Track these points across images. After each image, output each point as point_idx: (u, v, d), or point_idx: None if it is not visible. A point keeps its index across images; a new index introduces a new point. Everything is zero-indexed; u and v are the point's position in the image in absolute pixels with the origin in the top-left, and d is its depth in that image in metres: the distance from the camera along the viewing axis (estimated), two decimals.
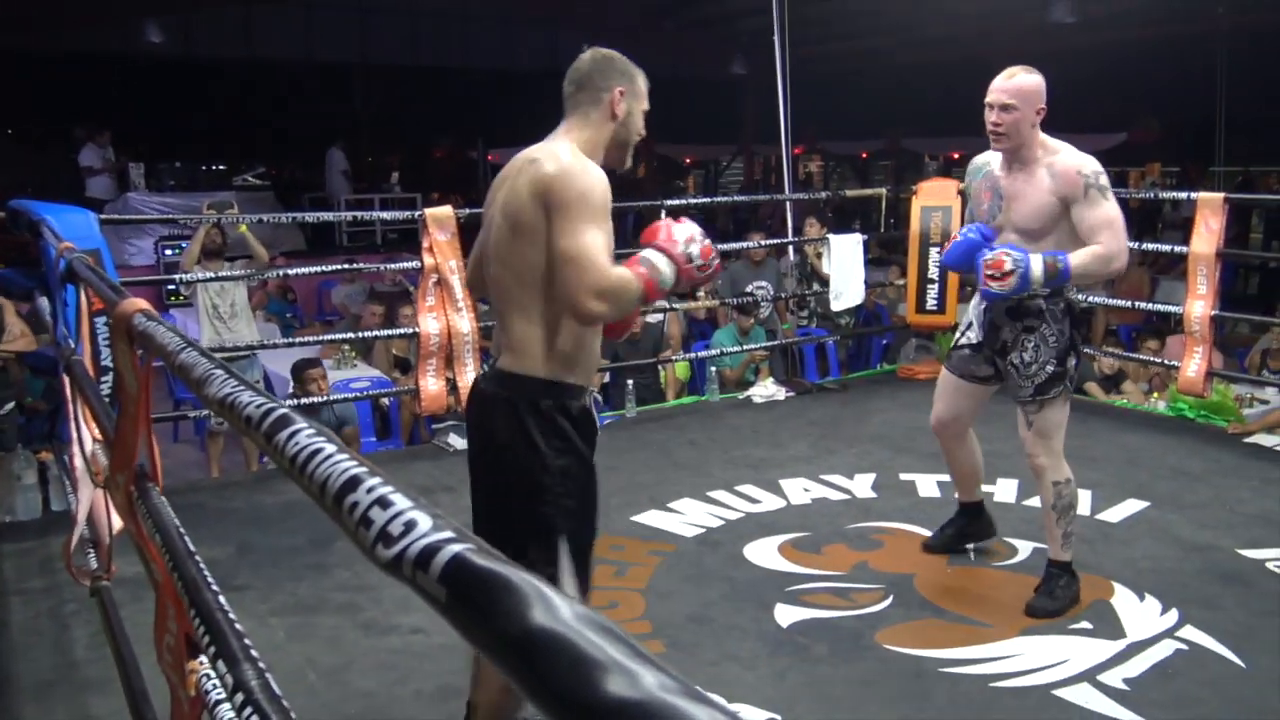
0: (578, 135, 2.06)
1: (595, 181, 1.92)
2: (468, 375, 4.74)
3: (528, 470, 1.94)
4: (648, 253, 1.99)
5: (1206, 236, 4.75)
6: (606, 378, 6.47)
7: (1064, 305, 2.92)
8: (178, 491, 4.38)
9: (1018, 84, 2.83)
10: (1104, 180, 2.80)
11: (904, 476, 4.26)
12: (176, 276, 5.80)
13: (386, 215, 6.71)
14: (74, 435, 2.64)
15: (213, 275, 5.35)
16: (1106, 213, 2.78)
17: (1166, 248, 6.40)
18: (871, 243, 7.08)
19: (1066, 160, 2.82)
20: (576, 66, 2.12)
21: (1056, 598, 3.03)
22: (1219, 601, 3.08)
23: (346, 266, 6.64)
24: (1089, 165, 2.81)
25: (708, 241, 2.06)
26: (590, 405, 2.05)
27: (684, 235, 2.04)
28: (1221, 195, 4.84)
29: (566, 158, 1.95)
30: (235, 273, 5.39)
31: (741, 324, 6.53)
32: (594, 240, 1.87)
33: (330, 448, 0.71)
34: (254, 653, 1.03)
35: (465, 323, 4.69)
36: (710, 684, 2.64)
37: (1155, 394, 6.05)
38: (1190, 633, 2.88)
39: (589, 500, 2.03)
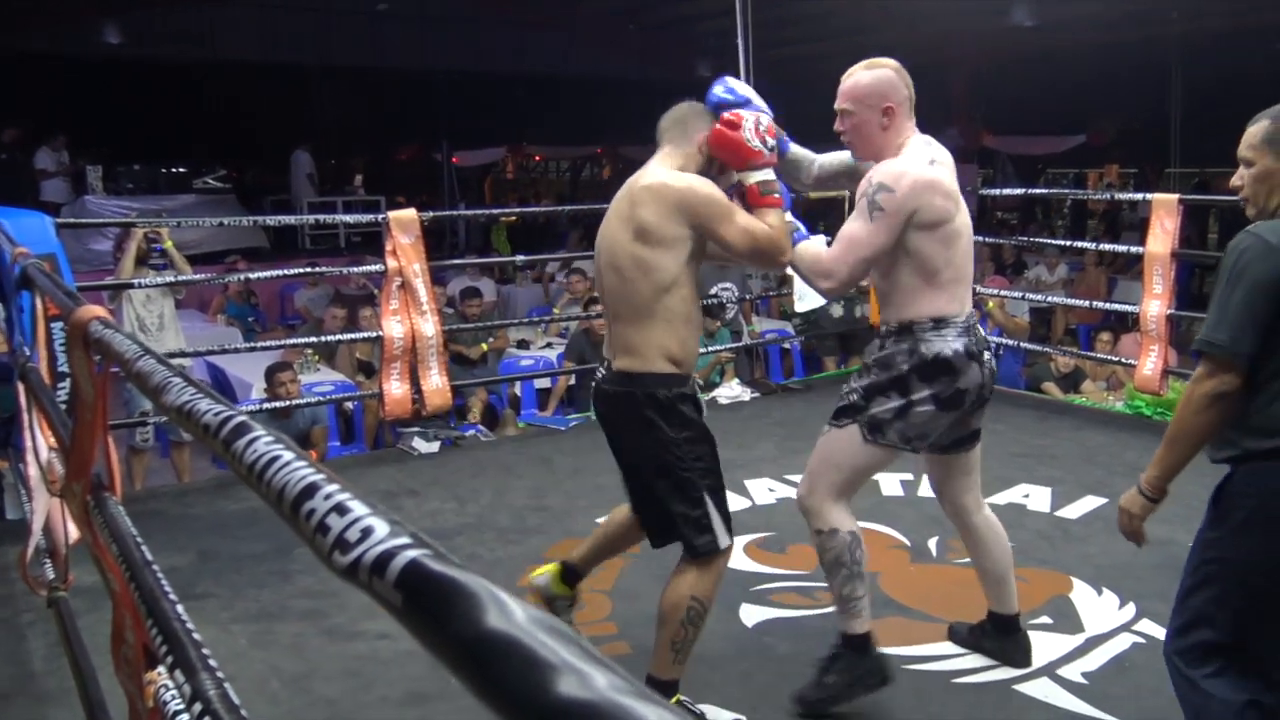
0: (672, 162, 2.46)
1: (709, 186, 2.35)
2: (432, 379, 4.72)
3: (653, 447, 2.36)
4: (751, 178, 2.38)
5: (1162, 237, 4.84)
6: (573, 380, 6.47)
7: (907, 348, 2.41)
8: (137, 499, 4.34)
9: (851, 85, 2.46)
10: (881, 198, 2.32)
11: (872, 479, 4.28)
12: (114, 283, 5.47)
13: (350, 218, 6.66)
14: (29, 443, 2.60)
15: (174, 279, 5.27)
16: (852, 230, 2.37)
17: (1123, 248, 6.51)
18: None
19: (876, 168, 2.41)
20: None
21: (823, 686, 2.51)
22: (1174, 594, 3.12)
23: (309, 270, 6.60)
24: (881, 177, 2.36)
25: (767, 118, 2.43)
26: (695, 389, 2.45)
27: (753, 133, 2.37)
28: (1176, 196, 4.93)
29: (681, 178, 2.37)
30: (167, 279, 5.18)
31: (707, 326, 6.56)
32: (745, 222, 2.33)
33: (287, 455, 0.71)
34: (212, 662, 1.02)
35: (429, 326, 4.67)
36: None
37: (1112, 392, 6.14)
38: (1147, 626, 2.93)
39: (713, 457, 2.41)
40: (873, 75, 2.44)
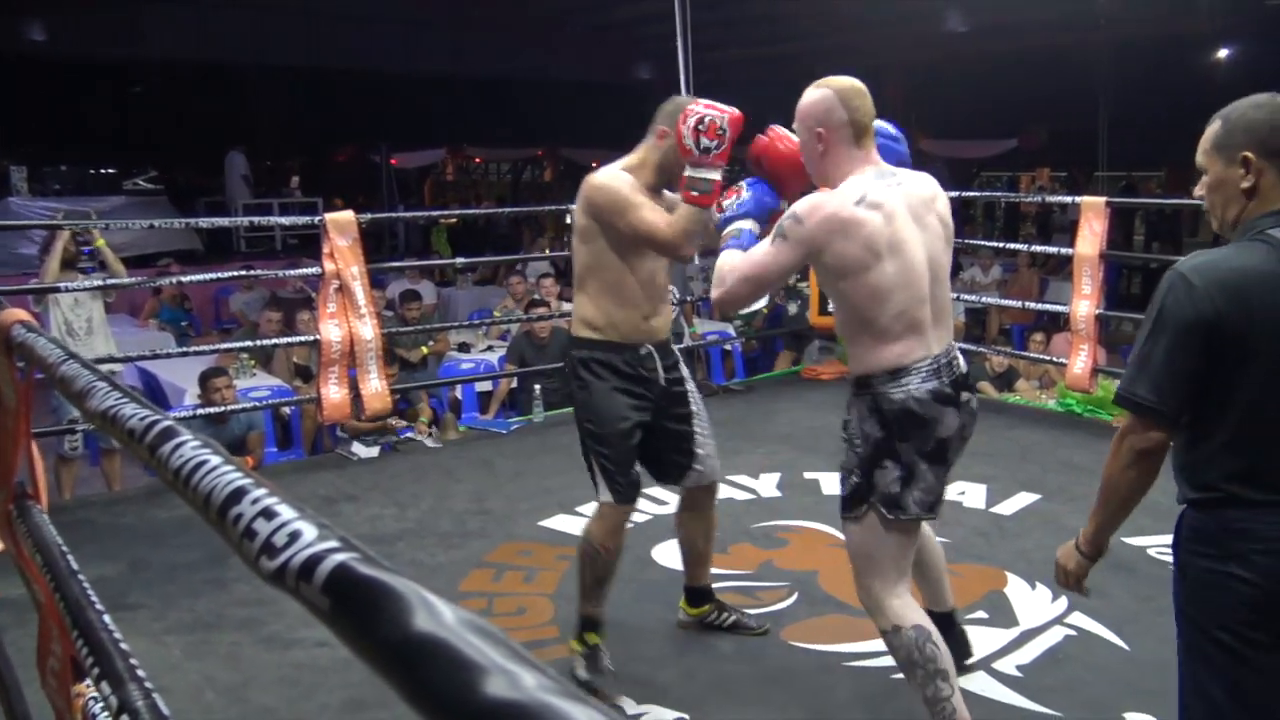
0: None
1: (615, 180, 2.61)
2: (371, 382, 4.67)
3: (574, 400, 2.75)
4: (686, 173, 2.48)
5: (1090, 239, 4.96)
6: (514, 383, 6.44)
7: (870, 401, 2.20)
8: (66, 509, 4.22)
9: (799, 104, 2.29)
10: (788, 225, 2.17)
11: (808, 475, 4.33)
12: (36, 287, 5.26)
13: (286, 220, 6.57)
14: None
15: (103, 282, 5.13)
16: (756, 250, 2.26)
17: (1054, 250, 6.66)
18: None
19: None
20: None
21: None
22: (1105, 588, 3.20)
23: (244, 273, 6.49)
24: (798, 205, 2.20)
25: (712, 115, 2.43)
26: (630, 359, 2.68)
27: (690, 131, 2.43)
28: (1103, 199, 5.06)
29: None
30: (95, 283, 5.05)
31: None
32: (642, 217, 2.57)
33: (215, 459, 0.70)
34: (141, 673, 1.00)
35: (368, 329, 4.61)
36: (618, 685, 2.65)
37: (1044, 391, 6.28)
38: (1079, 619, 3.00)
39: (613, 419, 2.67)
40: (810, 96, 2.26)
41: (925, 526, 2.53)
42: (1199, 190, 1.75)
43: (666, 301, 2.84)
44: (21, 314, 1.44)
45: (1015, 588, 3.23)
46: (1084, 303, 5.00)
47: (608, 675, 2.67)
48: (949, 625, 2.67)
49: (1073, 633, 2.93)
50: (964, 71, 13.89)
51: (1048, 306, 6.75)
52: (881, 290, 2.14)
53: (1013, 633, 2.93)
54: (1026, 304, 6.73)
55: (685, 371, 2.89)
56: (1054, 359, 5.84)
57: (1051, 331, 6.88)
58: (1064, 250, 5.56)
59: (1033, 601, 3.13)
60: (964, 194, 11.01)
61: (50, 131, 14.00)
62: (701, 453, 2.85)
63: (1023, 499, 4.03)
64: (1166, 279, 1.67)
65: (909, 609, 2.27)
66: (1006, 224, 15.58)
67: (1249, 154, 1.64)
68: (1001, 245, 9.76)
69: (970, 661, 2.76)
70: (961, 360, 2.29)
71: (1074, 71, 11.96)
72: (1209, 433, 1.66)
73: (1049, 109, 13.53)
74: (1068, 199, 6.45)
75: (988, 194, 13.45)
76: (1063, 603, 3.10)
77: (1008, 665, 2.75)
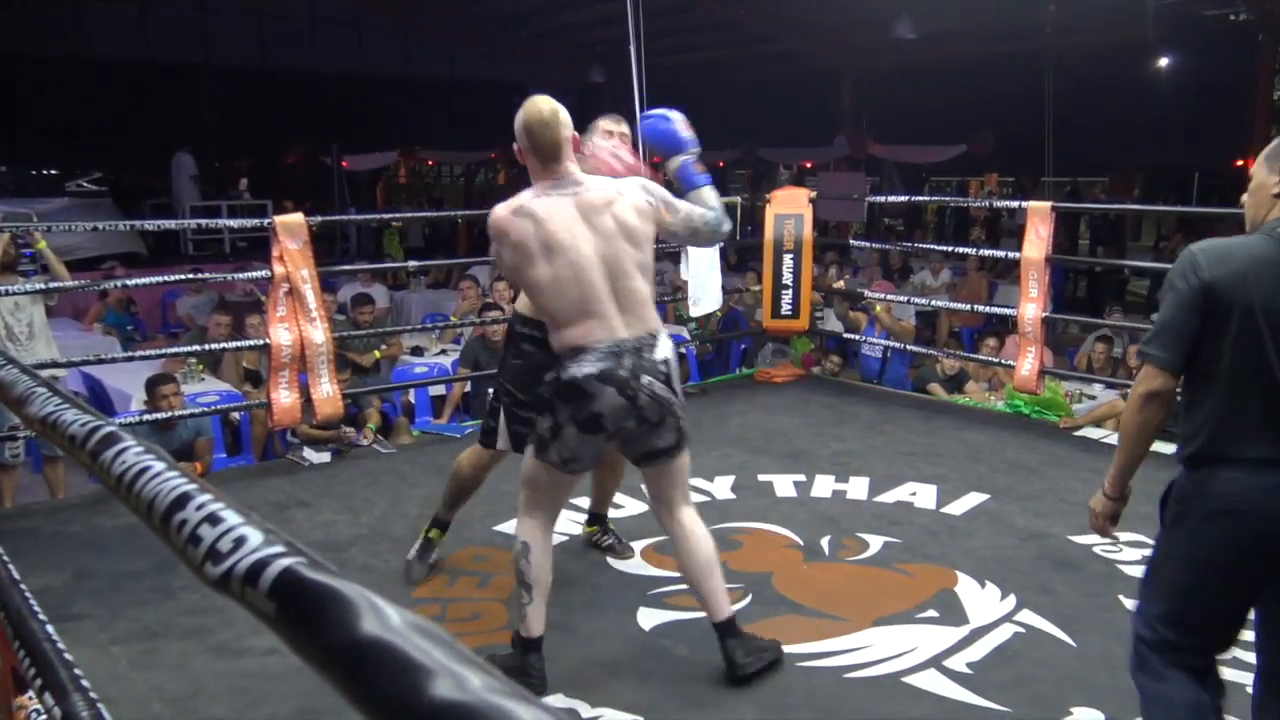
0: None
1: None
2: (322, 387, 4.62)
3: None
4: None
5: (1036, 243, 5.04)
6: (468, 387, 6.40)
7: (554, 375, 2.58)
8: (7, 517, 4.13)
9: None
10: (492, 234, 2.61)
11: (762, 478, 4.36)
12: None
13: (234, 223, 6.47)
14: None
15: (45, 286, 5.03)
16: None
17: (1002, 253, 6.76)
18: (729, 250, 7.23)
19: None
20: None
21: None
22: (1052, 586, 3.27)
23: (192, 276, 6.39)
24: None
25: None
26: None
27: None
28: (1049, 204, 5.15)
29: None
30: (37, 286, 4.97)
31: None
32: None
33: (159, 465, 0.69)
34: (85, 683, 0.98)
35: (319, 333, 4.56)
36: (574, 690, 2.65)
37: (993, 392, 6.38)
38: (1027, 616, 3.05)
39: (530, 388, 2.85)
40: (518, 116, 2.60)
41: (699, 535, 2.74)
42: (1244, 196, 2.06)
43: None
44: None
45: (965, 586, 3.27)
46: (1031, 305, 5.09)
47: (426, 566, 3.37)
48: (731, 633, 2.73)
49: (1021, 630, 2.98)
50: (914, 78, 14.08)
51: (996, 309, 6.86)
52: (543, 284, 2.53)
53: (963, 631, 2.97)
54: (976, 307, 6.83)
55: None
56: (1003, 361, 5.93)
57: (1003, 335, 6.99)
58: (1012, 254, 5.65)
59: (982, 600, 3.18)
60: (914, 198, 11.27)
61: None
62: None
63: (972, 499, 4.08)
64: (1180, 255, 2.01)
65: (532, 532, 2.69)
66: (956, 228, 15.80)
67: None
68: (951, 249, 9.89)
69: (921, 660, 2.80)
70: (663, 351, 2.59)
71: (1021, 78, 12.16)
72: (1201, 400, 1.96)
73: (997, 115, 13.75)
74: (1015, 204, 6.56)
75: (938, 198, 13.63)
76: (1012, 600, 3.15)
77: (958, 663, 2.79)
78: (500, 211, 2.56)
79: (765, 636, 2.86)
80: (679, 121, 2.88)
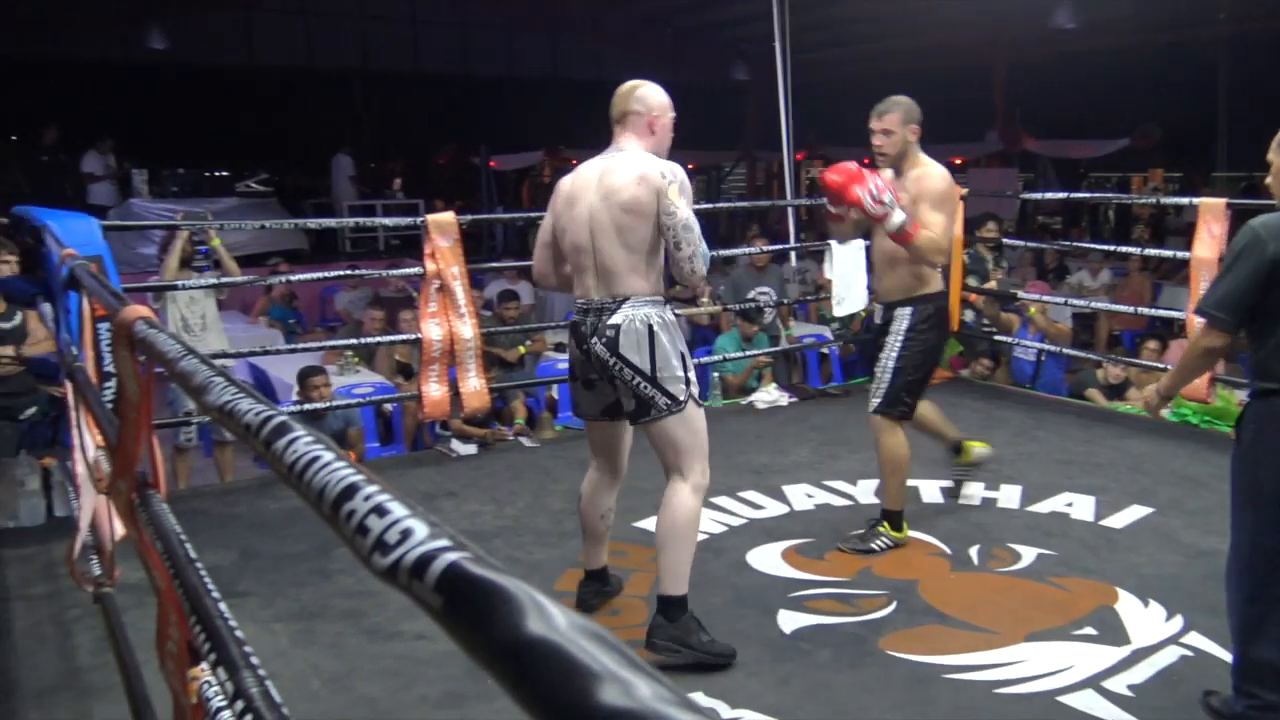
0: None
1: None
2: (470, 381, 4.74)
3: None
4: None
5: (1209, 242, 4.75)
6: None
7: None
8: (181, 498, 4.39)
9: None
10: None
11: (908, 483, 4.24)
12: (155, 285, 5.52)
13: (389, 221, 6.70)
14: (76, 442, 2.64)
15: (218, 280, 5.34)
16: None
17: (1169, 253, 6.40)
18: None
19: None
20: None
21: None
22: (1224, 607, 3.06)
23: (349, 273, 6.66)
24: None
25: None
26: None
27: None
28: (1224, 200, 4.84)
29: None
30: (211, 281, 5.27)
31: (744, 330, 6.53)
32: None
33: (328, 455, 0.71)
34: (254, 660, 1.02)
35: (468, 328, 4.69)
36: (713, 690, 2.64)
37: None
38: (1195, 639, 2.87)
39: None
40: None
41: (666, 509, 2.82)
42: (1269, 180, 2.39)
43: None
44: (144, 310, 1.50)
45: (1126, 604, 3.10)
46: None
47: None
48: (658, 607, 2.82)
49: (1189, 653, 2.81)
50: (1071, 68, 13.44)
51: (1161, 312, 6.48)
52: (557, 233, 2.90)
53: (1124, 651, 2.82)
54: (1139, 309, 6.47)
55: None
56: (1168, 366, 5.60)
57: (1166, 338, 6.60)
58: (1180, 254, 5.33)
59: (1145, 619, 3.00)
60: (1072, 195, 10.76)
61: (168, 136, 14.60)
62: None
63: (1134, 512, 3.87)
64: (1243, 230, 2.31)
65: (586, 478, 3.12)
66: (1117, 227, 15.03)
67: None
68: (1112, 249, 9.40)
69: (1077, 680, 2.67)
70: (618, 317, 2.73)
71: (1190, 67, 11.49)
72: (1264, 341, 2.32)
73: (1162, 107, 13.01)
74: (1185, 200, 6.19)
75: (1098, 195, 12.99)
76: (1179, 621, 2.97)
77: (1118, 685, 2.65)
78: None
79: (910, 645, 2.78)
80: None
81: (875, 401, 3.54)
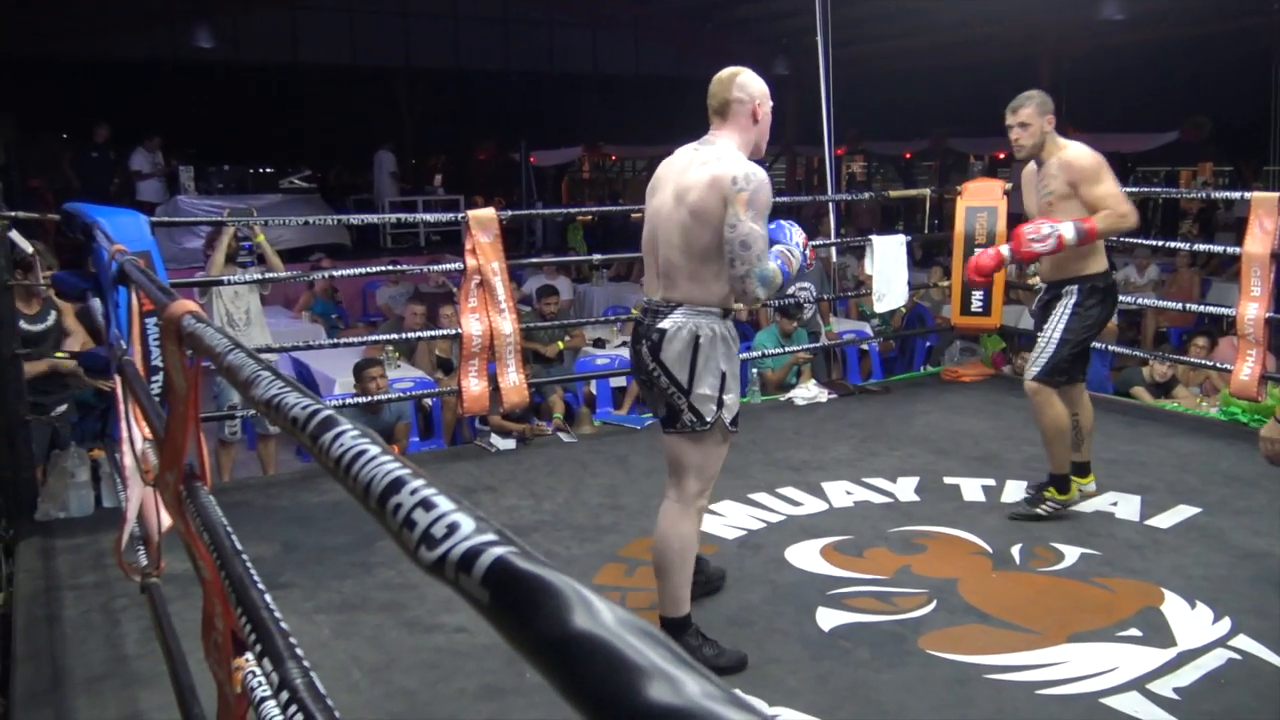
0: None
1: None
2: (510, 376, 4.76)
3: None
4: None
5: (1261, 237, 4.65)
6: None
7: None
8: (225, 490, 4.45)
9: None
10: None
11: (948, 480, 4.21)
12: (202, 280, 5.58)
13: (430, 217, 6.74)
14: (125, 434, 2.69)
15: (262, 276, 5.40)
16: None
17: (1219, 248, 6.27)
18: (915, 244, 7.01)
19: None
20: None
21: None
22: (1273, 610, 3.01)
23: (391, 268, 6.71)
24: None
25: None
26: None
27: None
28: (1277, 195, 4.73)
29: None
30: (256, 276, 5.35)
31: (784, 326, 6.50)
32: None
33: (374, 449, 0.72)
34: (299, 650, 1.04)
35: (507, 324, 4.71)
36: (751, 687, 2.63)
37: (1206, 399, 5.93)
38: (1243, 642, 2.82)
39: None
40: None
41: (663, 527, 2.81)
42: None
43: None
44: (192, 305, 1.52)
45: (1172, 605, 3.05)
46: (1252, 305, 4.69)
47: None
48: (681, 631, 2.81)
49: (1237, 656, 2.75)
50: (1117, 60, 13.21)
51: (1210, 309, 6.36)
52: (645, 222, 2.78)
53: (1169, 653, 2.77)
54: (1187, 306, 6.36)
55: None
56: (1217, 364, 5.50)
57: (1215, 335, 6.47)
58: (1230, 249, 5.22)
59: (1192, 621, 2.95)
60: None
61: (213, 133, 14.81)
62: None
63: (1181, 512, 3.80)
64: None
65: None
66: (1165, 222, 14.77)
67: None
68: (1160, 244, 9.26)
69: (1122, 681, 2.63)
70: (666, 322, 2.65)
71: (1241, 58, 11.22)
72: None
73: (1212, 99, 12.74)
74: (1237, 194, 6.06)
75: (1146, 189, 12.75)
76: (1226, 624, 2.92)
77: (1163, 687, 2.60)
78: None
79: (950, 645, 2.75)
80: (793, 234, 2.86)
81: (1034, 370, 3.62)
